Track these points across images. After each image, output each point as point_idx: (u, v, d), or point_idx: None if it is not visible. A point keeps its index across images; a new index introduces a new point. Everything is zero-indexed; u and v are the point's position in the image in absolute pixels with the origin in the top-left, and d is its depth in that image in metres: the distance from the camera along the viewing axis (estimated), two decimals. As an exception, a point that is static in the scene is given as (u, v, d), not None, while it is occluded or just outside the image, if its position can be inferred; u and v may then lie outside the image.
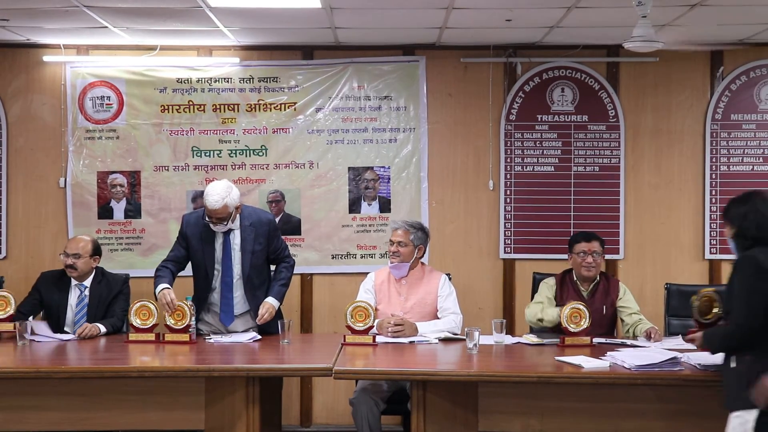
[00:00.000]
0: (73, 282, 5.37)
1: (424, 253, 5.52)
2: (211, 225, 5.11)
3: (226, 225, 5.10)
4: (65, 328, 5.29)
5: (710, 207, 6.40)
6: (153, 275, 5.19)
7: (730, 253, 6.24)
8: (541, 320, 5.23)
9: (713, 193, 6.41)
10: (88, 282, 5.38)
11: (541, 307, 5.29)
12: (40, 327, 5.11)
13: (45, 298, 5.38)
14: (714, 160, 6.43)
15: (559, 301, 5.30)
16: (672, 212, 6.48)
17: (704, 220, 6.41)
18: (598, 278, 5.36)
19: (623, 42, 5.13)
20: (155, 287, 5.06)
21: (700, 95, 6.47)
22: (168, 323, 4.94)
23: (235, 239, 5.18)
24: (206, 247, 5.19)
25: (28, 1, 5.20)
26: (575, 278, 5.37)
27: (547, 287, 5.41)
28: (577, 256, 5.33)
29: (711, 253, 6.40)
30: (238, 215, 5.15)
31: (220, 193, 5.01)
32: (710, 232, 6.40)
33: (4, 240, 6.46)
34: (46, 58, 6.40)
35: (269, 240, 5.25)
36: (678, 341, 4.95)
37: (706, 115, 6.45)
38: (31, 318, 5.01)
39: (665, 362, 4.15)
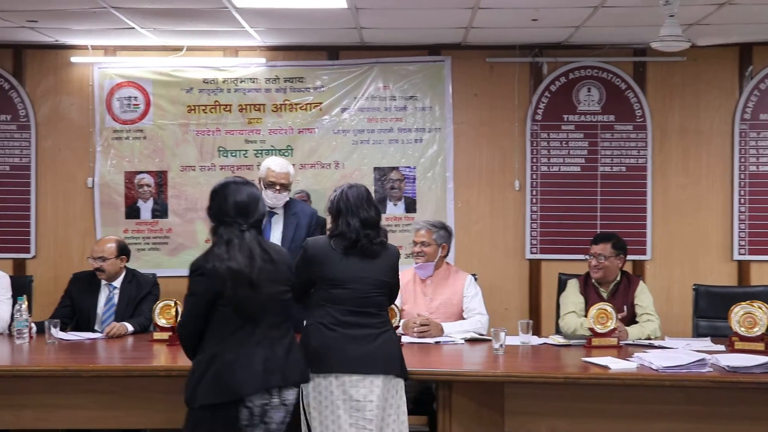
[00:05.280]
0: (103, 282, 5.40)
1: (449, 251, 5.48)
2: (269, 198, 4.98)
3: (286, 196, 5.10)
4: (95, 327, 5.33)
5: (739, 207, 6.34)
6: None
7: (760, 254, 6.31)
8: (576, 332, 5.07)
9: (742, 193, 6.35)
10: (117, 282, 5.40)
11: (579, 321, 5.10)
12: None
13: (76, 301, 5.40)
14: (743, 160, 6.37)
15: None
16: (700, 213, 6.42)
17: (733, 220, 6.35)
18: (618, 279, 5.30)
19: (650, 41, 5.10)
20: None
21: (729, 94, 6.41)
22: (159, 322, 4.98)
23: (276, 233, 5.12)
24: None
25: (56, 2, 5.25)
26: (593, 280, 5.33)
27: (574, 291, 5.32)
28: (588, 258, 5.29)
29: (740, 254, 6.34)
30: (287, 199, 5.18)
31: (285, 161, 5.18)
32: (739, 232, 6.34)
33: (33, 239, 6.52)
34: (74, 59, 6.46)
35: (309, 233, 5.07)
36: (707, 343, 4.91)
37: (735, 114, 6.39)
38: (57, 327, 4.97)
39: (693, 363, 4.10)
